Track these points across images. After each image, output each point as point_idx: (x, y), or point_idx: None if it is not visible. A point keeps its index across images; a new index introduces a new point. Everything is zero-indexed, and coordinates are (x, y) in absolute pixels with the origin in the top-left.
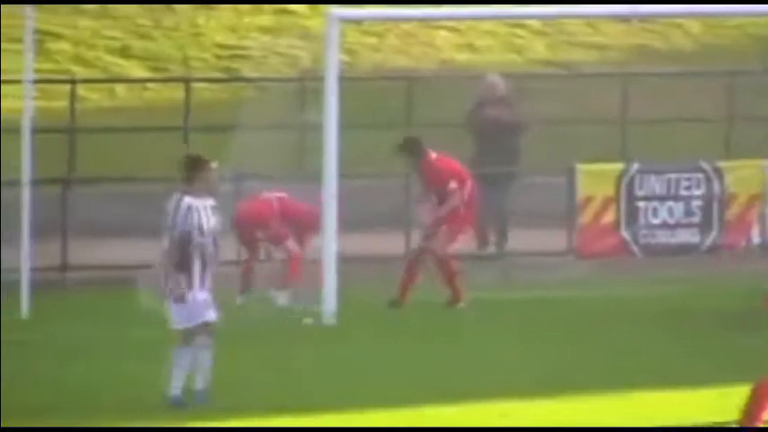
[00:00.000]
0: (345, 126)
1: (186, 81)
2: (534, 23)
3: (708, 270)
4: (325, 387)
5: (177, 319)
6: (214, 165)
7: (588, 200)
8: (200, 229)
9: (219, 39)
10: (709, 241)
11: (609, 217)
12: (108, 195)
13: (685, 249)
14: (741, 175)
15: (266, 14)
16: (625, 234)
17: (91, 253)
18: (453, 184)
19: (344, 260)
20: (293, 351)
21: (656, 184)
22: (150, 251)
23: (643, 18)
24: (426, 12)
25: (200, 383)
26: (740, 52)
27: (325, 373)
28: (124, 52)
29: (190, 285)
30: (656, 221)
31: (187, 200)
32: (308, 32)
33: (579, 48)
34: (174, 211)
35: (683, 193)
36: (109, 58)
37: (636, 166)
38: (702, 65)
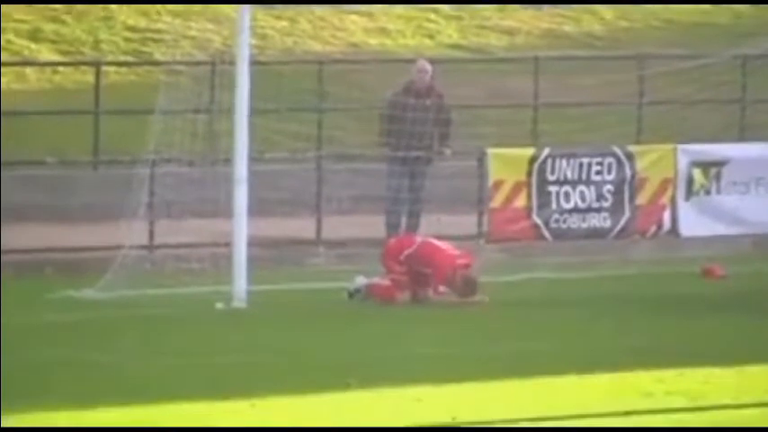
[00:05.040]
0: (256, 110)
1: (97, 65)
2: (446, 8)
3: (619, 254)
4: (234, 370)
5: None
6: None
7: (499, 184)
8: None
9: (130, 22)
10: (620, 226)
11: (520, 201)
12: (18, 179)
13: (597, 234)
14: (652, 159)
15: None
16: (536, 218)
17: (3, 237)
18: None
19: (254, 243)
20: (204, 334)
21: (567, 169)
22: (62, 235)
23: (554, 2)
24: None
25: None
26: (652, 37)
27: (234, 355)
28: (34, 35)
29: None
30: (567, 206)
31: None
32: (219, 16)
33: (491, 32)
34: None
35: (595, 177)
36: (19, 42)
37: (547, 150)
38: (614, 49)
